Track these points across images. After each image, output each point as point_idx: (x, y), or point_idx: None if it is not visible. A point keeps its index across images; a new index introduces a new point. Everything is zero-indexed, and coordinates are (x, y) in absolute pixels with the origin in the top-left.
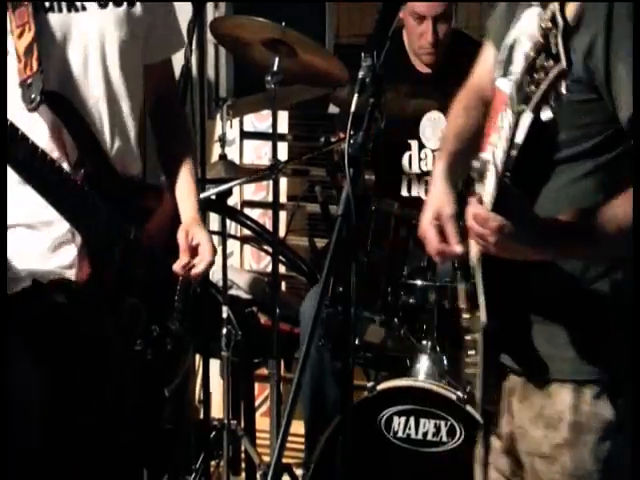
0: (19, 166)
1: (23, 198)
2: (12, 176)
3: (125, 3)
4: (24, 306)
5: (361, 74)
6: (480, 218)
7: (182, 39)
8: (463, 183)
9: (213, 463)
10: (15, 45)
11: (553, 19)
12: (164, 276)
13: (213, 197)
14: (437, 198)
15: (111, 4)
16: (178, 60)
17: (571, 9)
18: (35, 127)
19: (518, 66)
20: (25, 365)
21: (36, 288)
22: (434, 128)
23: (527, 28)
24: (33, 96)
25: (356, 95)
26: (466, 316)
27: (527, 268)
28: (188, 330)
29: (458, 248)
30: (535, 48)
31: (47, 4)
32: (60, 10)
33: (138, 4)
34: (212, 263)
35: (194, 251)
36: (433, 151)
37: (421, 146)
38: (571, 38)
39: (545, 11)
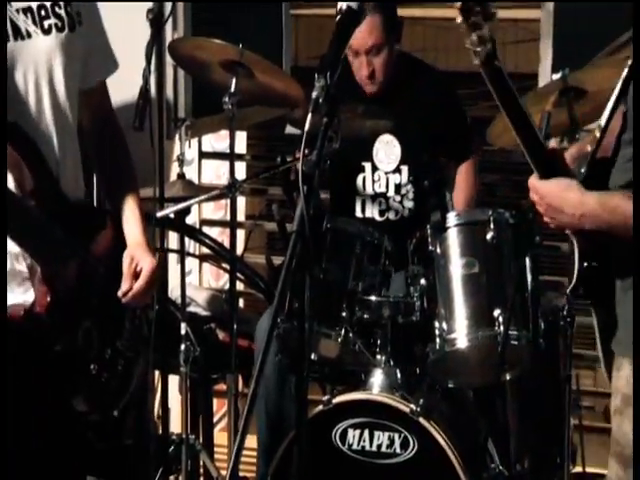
0: None
1: None
2: None
3: (67, 29)
4: None
5: (314, 94)
6: (532, 186)
7: (116, 62)
8: None
9: (172, 477)
10: None
11: None
12: (113, 297)
13: (172, 216)
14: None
15: (54, 30)
16: (136, 81)
17: None
18: None
19: None
20: None
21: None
22: (387, 151)
23: None
24: None
25: (310, 115)
26: None
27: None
28: (136, 350)
29: None
30: None
31: None
32: (7, 39)
33: (77, 29)
34: (145, 293)
35: (138, 277)
36: (386, 173)
37: (374, 168)
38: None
39: None
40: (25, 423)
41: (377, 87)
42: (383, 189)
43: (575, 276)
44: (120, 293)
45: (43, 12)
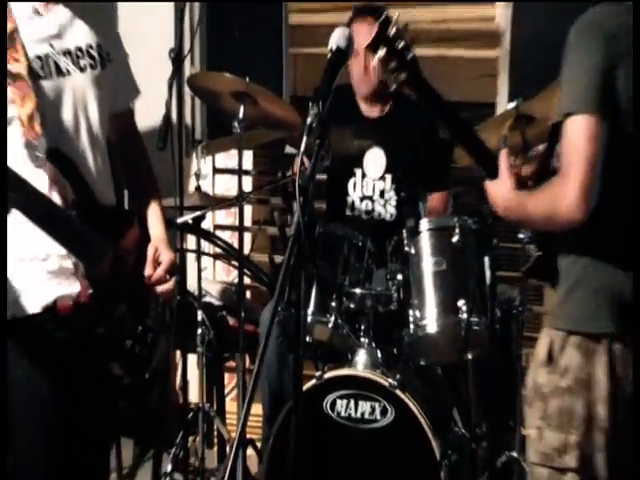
0: (29, 215)
1: (35, 236)
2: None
3: (99, 67)
4: (36, 328)
5: (308, 120)
6: (486, 188)
7: (138, 89)
8: None
9: (191, 439)
10: (19, 112)
11: None
12: (139, 282)
13: (190, 221)
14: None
15: (89, 68)
16: (160, 109)
17: None
18: (39, 176)
19: None
20: (33, 376)
21: (52, 309)
22: (375, 162)
23: None
24: (38, 155)
25: (305, 137)
26: None
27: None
28: (161, 324)
29: None
30: None
31: (41, 73)
32: (51, 76)
33: (108, 67)
34: (164, 278)
35: (158, 265)
36: (373, 180)
37: (363, 175)
38: None
39: None
40: (74, 394)
41: (370, 87)
42: (370, 192)
43: (530, 262)
44: (146, 275)
45: (79, 54)
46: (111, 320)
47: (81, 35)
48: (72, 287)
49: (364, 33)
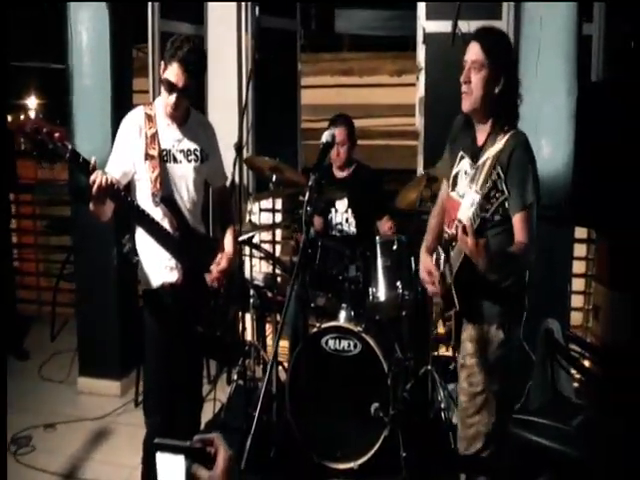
0: (150, 233)
1: (153, 245)
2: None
3: (199, 161)
4: (155, 297)
5: (310, 182)
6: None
7: (226, 175)
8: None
9: (247, 360)
10: (150, 176)
11: (498, 175)
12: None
13: (246, 238)
14: (426, 262)
15: (193, 162)
16: (229, 175)
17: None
18: (157, 212)
19: (463, 188)
20: (158, 326)
21: (162, 287)
22: (341, 203)
23: (464, 168)
24: (157, 200)
25: (308, 192)
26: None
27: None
28: (230, 299)
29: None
30: (488, 186)
31: (165, 158)
32: (170, 162)
33: (205, 162)
34: (225, 272)
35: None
36: (341, 213)
37: (336, 211)
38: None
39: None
40: (177, 339)
41: (341, 164)
42: (340, 220)
43: (453, 277)
44: (211, 269)
45: (189, 152)
46: (196, 296)
47: (192, 142)
48: (174, 276)
49: (341, 135)
